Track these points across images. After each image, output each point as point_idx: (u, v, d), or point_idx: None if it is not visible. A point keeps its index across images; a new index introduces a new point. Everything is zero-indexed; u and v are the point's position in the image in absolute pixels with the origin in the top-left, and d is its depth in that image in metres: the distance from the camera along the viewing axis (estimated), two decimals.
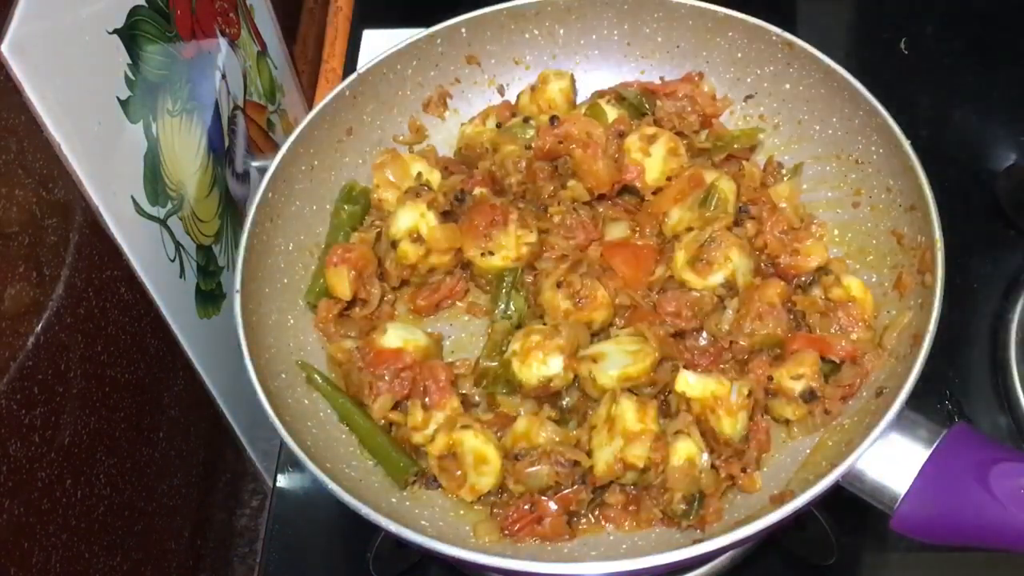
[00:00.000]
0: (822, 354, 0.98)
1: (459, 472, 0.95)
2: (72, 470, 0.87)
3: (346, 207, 1.13)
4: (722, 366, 1.00)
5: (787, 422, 0.99)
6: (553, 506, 0.94)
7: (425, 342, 1.03)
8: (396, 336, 1.01)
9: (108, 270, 0.94)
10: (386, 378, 0.99)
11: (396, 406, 1.00)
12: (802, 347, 0.98)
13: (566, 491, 0.95)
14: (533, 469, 0.93)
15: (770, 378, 0.98)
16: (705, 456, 0.94)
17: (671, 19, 1.19)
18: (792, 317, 1.03)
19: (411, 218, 1.06)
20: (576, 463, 0.94)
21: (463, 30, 1.20)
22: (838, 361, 0.98)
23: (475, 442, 0.94)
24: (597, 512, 0.96)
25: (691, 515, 0.93)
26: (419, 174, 1.14)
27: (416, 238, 1.06)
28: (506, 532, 0.94)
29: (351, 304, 1.08)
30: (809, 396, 0.96)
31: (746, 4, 1.16)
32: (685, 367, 0.99)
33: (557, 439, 0.95)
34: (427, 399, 0.98)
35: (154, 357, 1.03)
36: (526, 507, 0.94)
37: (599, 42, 1.23)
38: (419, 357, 1.01)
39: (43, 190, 0.83)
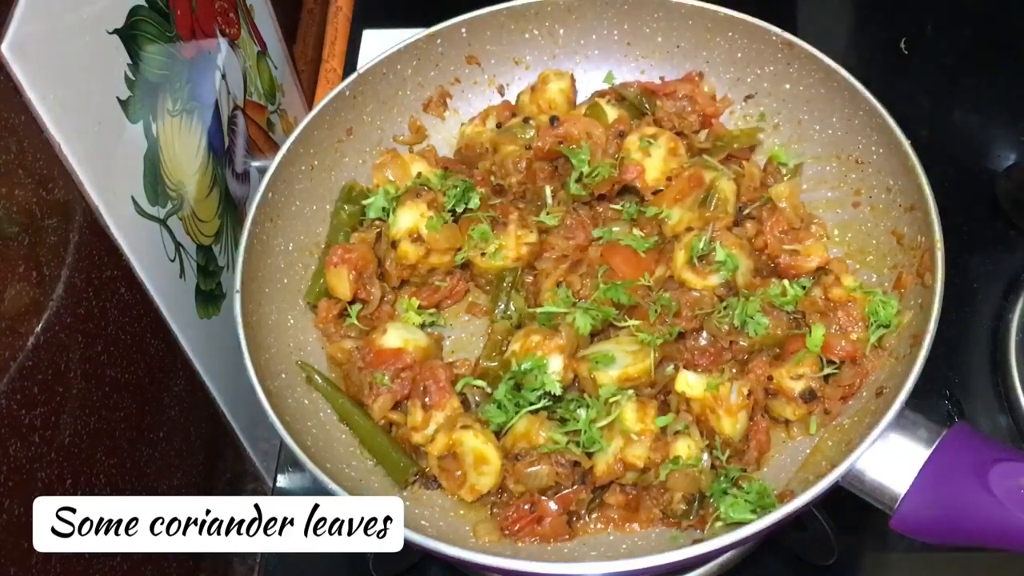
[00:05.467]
0: (822, 354, 0.98)
1: (459, 472, 0.95)
2: (72, 470, 0.87)
3: (346, 207, 1.13)
4: (722, 366, 1.00)
5: (787, 422, 0.99)
6: (553, 506, 0.94)
7: (425, 342, 1.03)
8: (396, 336, 1.01)
9: (108, 270, 0.94)
10: (386, 378, 0.99)
11: (396, 406, 1.00)
12: (802, 347, 0.98)
13: (566, 491, 0.95)
14: (533, 469, 0.93)
15: (770, 378, 0.98)
16: (705, 456, 0.94)
17: (671, 19, 1.19)
18: (792, 317, 1.03)
19: (411, 218, 1.06)
20: (576, 463, 0.94)
21: (463, 30, 1.20)
22: (838, 361, 0.98)
23: (475, 442, 0.94)
24: (596, 512, 0.96)
25: (691, 515, 0.93)
26: (419, 174, 1.14)
27: (416, 238, 1.06)
28: (506, 532, 0.94)
29: (351, 304, 1.08)
30: (809, 396, 0.96)
31: (746, 4, 1.16)
32: (685, 367, 0.99)
33: (557, 439, 0.95)
34: (427, 399, 0.98)
35: (154, 357, 1.03)
36: (526, 507, 0.94)
37: (599, 42, 1.23)
38: (419, 357, 1.01)
39: (43, 190, 0.83)
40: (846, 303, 1.00)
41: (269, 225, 1.07)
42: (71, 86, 0.87)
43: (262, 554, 1.15)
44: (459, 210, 1.09)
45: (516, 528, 0.94)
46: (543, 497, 0.94)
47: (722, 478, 0.92)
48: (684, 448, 0.93)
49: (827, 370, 0.98)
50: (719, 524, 0.91)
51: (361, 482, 0.97)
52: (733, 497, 0.90)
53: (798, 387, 0.96)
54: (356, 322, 1.06)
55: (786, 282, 1.03)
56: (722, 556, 1.04)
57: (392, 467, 0.98)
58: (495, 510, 0.96)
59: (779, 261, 1.05)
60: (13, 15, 0.79)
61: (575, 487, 0.95)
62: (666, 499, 0.93)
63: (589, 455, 0.94)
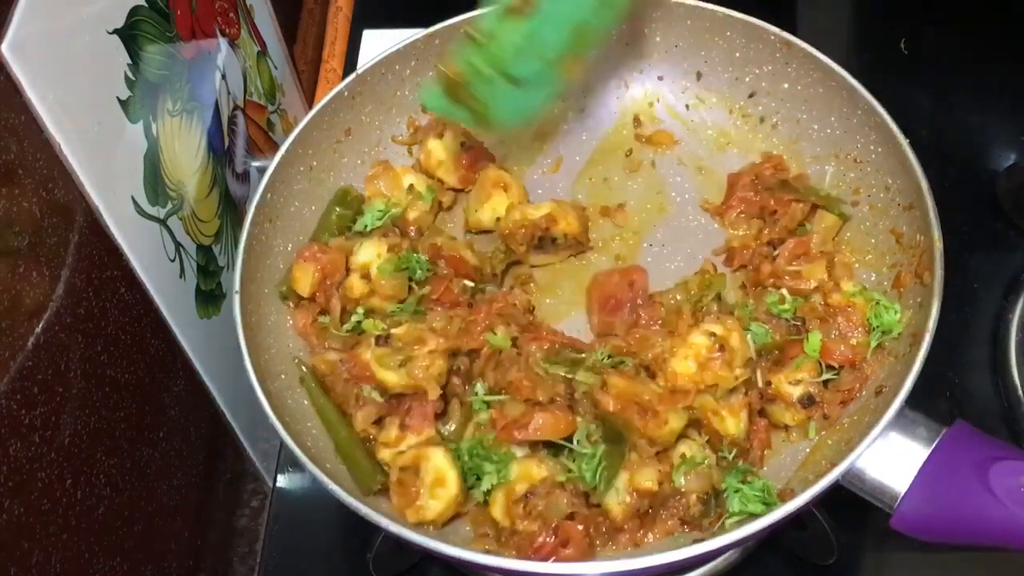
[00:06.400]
0: (821, 359, 0.98)
1: (413, 489, 0.92)
2: (72, 470, 0.87)
3: (338, 209, 1.11)
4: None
5: (786, 427, 0.99)
6: (580, 527, 0.91)
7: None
8: (393, 376, 0.97)
9: (108, 270, 0.94)
10: (375, 393, 0.97)
11: (377, 420, 0.98)
12: (800, 352, 0.98)
13: (584, 514, 0.92)
14: (549, 500, 0.90)
15: (768, 383, 0.97)
16: (708, 452, 0.93)
17: (669, 19, 1.19)
18: (791, 324, 1.02)
19: (369, 255, 1.04)
20: (587, 494, 0.92)
21: (461, 30, 1.19)
22: (837, 366, 0.98)
23: (441, 461, 0.92)
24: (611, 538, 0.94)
25: (710, 514, 0.92)
26: (411, 186, 1.13)
27: (365, 275, 1.04)
28: (529, 556, 0.90)
29: (319, 312, 1.05)
30: (807, 401, 0.96)
31: (746, 4, 1.16)
32: None
33: (571, 468, 0.92)
34: (407, 420, 0.96)
35: (154, 357, 1.03)
36: (549, 535, 0.90)
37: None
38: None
39: (43, 190, 0.83)
40: (845, 308, 1.00)
41: (268, 226, 1.07)
42: (71, 86, 0.87)
43: (262, 554, 1.15)
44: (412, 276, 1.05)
45: (541, 551, 0.90)
46: (566, 520, 0.91)
47: (733, 472, 0.92)
48: (687, 450, 0.93)
49: (826, 375, 0.97)
50: (731, 520, 0.90)
51: None
52: (743, 492, 0.90)
53: (796, 392, 0.96)
54: (337, 332, 1.04)
55: (784, 290, 1.03)
56: (722, 556, 1.04)
57: (361, 474, 0.95)
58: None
59: (780, 282, 1.05)
60: (13, 15, 0.79)
61: (591, 510, 0.92)
62: (683, 504, 0.92)
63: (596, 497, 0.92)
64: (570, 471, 0.92)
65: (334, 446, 0.98)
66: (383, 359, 0.96)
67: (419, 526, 0.92)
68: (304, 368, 1.02)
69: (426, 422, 0.96)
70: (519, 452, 0.95)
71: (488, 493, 0.93)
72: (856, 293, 1.00)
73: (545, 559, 0.89)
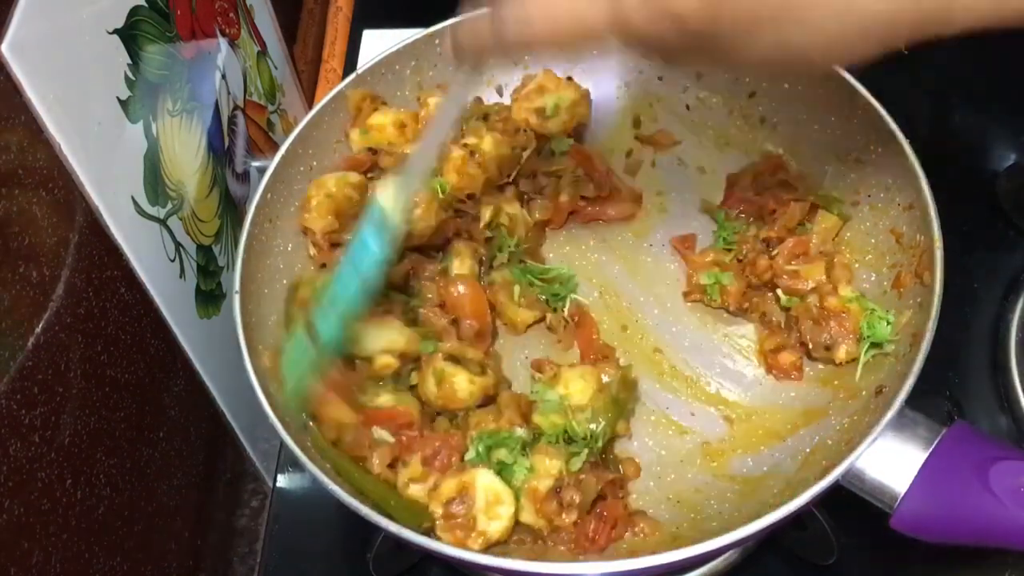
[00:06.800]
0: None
1: (464, 517, 0.89)
2: (72, 470, 0.87)
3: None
4: None
5: None
6: (618, 506, 0.91)
7: (418, 406, 0.98)
8: (388, 397, 0.97)
9: (108, 270, 0.94)
10: (386, 434, 0.95)
11: (392, 464, 0.94)
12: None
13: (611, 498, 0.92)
14: (580, 483, 0.90)
15: None
16: None
17: None
18: (785, 322, 1.03)
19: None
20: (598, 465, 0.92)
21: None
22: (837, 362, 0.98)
23: (490, 480, 0.89)
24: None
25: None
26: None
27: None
28: (586, 547, 0.90)
29: None
30: None
31: None
32: None
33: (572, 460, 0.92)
34: (436, 462, 0.92)
35: (154, 357, 1.03)
36: (596, 519, 0.90)
37: (597, 42, 1.23)
38: (416, 416, 0.97)
39: (43, 190, 0.83)
40: (839, 313, 1.00)
41: (268, 226, 1.07)
42: (71, 86, 0.87)
43: (262, 554, 1.15)
44: None
45: (597, 539, 0.89)
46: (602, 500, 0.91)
47: None
48: None
49: None
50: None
51: None
52: None
53: None
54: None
55: (779, 290, 1.03)
56: (722, 556, 1.04)
57: (406, 515, 0.89)
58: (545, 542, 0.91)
59: (778, 281, 1.05)
60: (13, 15, 0.79)
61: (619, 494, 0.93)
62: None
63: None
64: (575, 453, 0.92)
65: (369, 499, 0.91)
66: None
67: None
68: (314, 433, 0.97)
69: (455, 454, 0.93)
70: (520, 432, 0.94)
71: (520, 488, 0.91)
72: (852, 300, 1.00)
73: (603, 549, 0.89)
